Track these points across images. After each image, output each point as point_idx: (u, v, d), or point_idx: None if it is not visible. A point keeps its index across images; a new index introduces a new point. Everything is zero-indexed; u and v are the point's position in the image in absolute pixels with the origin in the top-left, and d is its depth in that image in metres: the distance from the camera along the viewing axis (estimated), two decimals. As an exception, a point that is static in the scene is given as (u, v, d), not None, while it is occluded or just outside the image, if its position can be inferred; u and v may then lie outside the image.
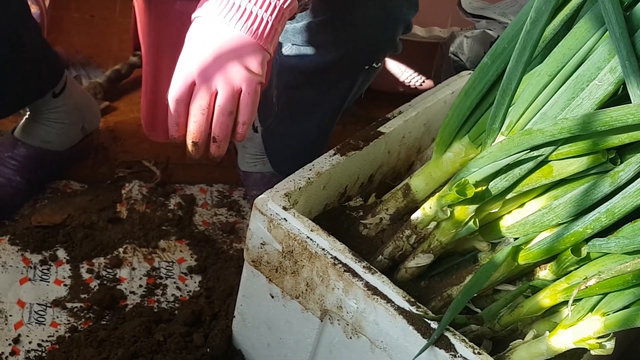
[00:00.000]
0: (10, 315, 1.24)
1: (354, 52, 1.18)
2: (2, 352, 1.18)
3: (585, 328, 0.87)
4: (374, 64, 1.22)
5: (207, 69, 0.92)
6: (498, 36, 1.63)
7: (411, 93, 1.30)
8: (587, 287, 0.83)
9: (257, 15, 0.91)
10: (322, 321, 1.03)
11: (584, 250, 0.88)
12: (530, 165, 0.88)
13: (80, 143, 1.51)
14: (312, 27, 1.19)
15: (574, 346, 0.89)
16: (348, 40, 1.17)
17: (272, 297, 1.08)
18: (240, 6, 0.91)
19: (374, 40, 1.15)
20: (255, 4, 0.91)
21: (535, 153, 0.86)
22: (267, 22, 0.92)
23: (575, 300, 0.90)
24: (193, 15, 0.94)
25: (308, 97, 1.32)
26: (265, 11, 0.92)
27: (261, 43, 0.93)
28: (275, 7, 0.92)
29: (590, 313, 0.87)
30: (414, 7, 1.20)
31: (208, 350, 1.22)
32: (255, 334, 1.17)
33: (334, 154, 1.11)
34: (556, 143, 0.84)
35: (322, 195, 1.11)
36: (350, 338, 1.00)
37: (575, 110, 0.83)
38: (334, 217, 1.13)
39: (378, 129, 1.18)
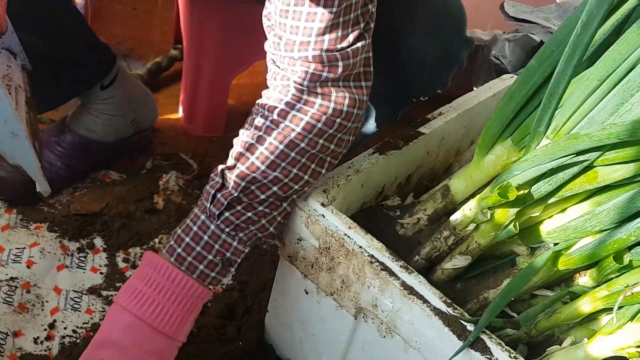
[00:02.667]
0: (47, 301, 1.25)
1: (407, 87, 1.17)
2: (38, 337, 1.19)
3: (625, 336, 0.86)
4: (422, 98, 1.22)
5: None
6: (541, 40, 1.63)
7: (450, 95, 1.30)
8: (632, 293, 0.82)
9: (168, 311, 0.99)
10: (356, 319, 1.02)
11: (627, 258, 0.87)
12: (575, 170, 0.87)
13: (131, 137, 1.53)
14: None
15: (613, 354, 0.88)
16: (403, 77, 1.16)
17: (307, 293, 1.08)
18: (153, 301, 0.98)
19: (429, 79, 1.15)
20: (168, 299, 0.98)
21: (581, 158, 0.85)
22: (179, 316, 1.00)
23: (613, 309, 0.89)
24: (114, 298, 1.01)
25: None
26: (178, 306, 0.99)
27: (172, 335, 1.00)
28: (187, 303, 1.00)
29: (631, 321, 0.86)
30: (470, 46, 1.19)
31: (240, 343, 1.22)
32: (287, 329, 1.17)
33: (373, 153, 1.11)
34: (603, 148, 0.83)
35: (360, 193, 1.11)
36: (384, 337, 1.00)
37: (624, 116, 0.82)
38: (371, 216, 1.13)
39: (418, 129, 1.18)
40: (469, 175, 1.02)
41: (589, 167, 0.87)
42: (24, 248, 1.31)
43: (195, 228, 1.00)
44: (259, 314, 1.27)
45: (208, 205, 0.99)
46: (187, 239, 1.00)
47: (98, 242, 1.37)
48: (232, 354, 1.21)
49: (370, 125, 1.34)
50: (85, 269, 1.32)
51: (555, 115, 0.89)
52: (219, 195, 0.99)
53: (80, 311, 1.26)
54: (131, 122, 1.50)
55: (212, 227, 1.00)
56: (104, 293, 1.29)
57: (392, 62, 1.14)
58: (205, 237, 1.00)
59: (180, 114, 1.74)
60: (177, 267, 0.99)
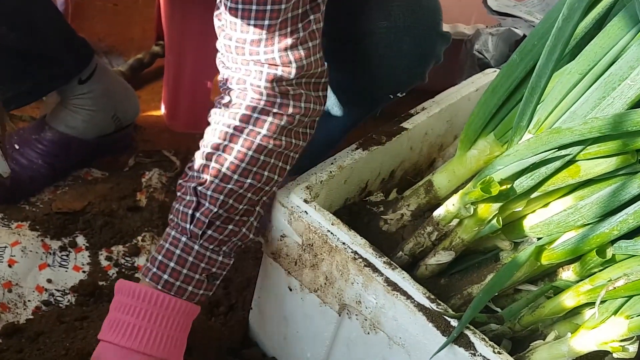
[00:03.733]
0: (29, 301, 1.24)
1: (383, 84, 1.17)
2: (20, 337, 1.18)
3: (608, 330, 0.86)
4: (399, 94, 1.21)
5: None
6: (524, 34, 1.63)
7: (433, 90, 1.29)
8: (615, 288, 0.82)
9: (164, 336, 0.97)
10: (340, 315, 1.02)
11: (610, 252, 0.87)
12: (557, 164, 0.87)
13: (113, 134, 1.52)
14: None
15: (596, 348, 0.88)
16: (379, 74, 1.16)
17: (290, 290, 1.08)
18: (146, 330, 0.96)
19: (406, 75, 1.15)
20: (161, 325, 0.96)
21: (563, 152, 0.85)
22: (177, 339, 0.98)
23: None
24: (99, 336, 0.98)
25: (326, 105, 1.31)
26: (173, 329, 0.98)
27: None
28: (180, 323, 0.98)
29: (614, 315, 0.86)
30: (447, 41, 1.19)
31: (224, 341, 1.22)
32: (272, 326, 1.17)
33: (356, 149, 1.11)
34: (585, 142, 0.83)
35: (343, 189, 1.11)
36: (368, 333, 0.99)
37: (606, 109, 0.82)
38: (354, 212, 1.12)
39: (401, 125, 1.18)
40: (452, 170, 1.02)
41: (572, 162, 0.87)
42: (5, 247, 1.30)
43: (178, 251, 0.98)
44: (242, 311, 1.26)
45: (188, 226, 0.97)
46: (172, 264, 0.98)
47: (80, 240, 1.36)
48: (216, 351, 1.20)
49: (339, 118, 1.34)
50: (67, 268, 1.31)
51: (537, 110, 0.88)
52: (197, 214, 0.97)
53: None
54: (112, 117, 1.49)
55: (196, 247, 0.98)
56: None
57: (367, 58, 1.14)
58: (190, 259, 0.98)
59: (162, 110, 1.73)
60: (166, 293, 0.98)
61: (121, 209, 1.42)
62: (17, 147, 1.40)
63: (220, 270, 1.02)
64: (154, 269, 0.98)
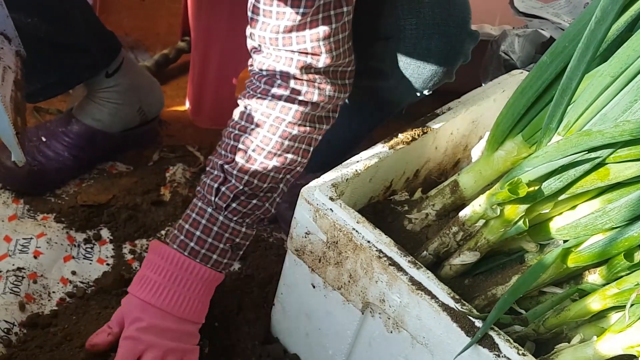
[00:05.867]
0: (54, 292, 1.25)
1: (411, 81, 1.17)
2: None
3: (635, 334, 0.85)
4: (426, 92, 1.21)
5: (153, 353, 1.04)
6: (550, 36, 1.62)
7: (458, 90, 1.29)
8: (646, 292, 0.82)
9: (190, 299, 1.07)
10: (363, 314, 1.02)
11: (638, 256, 0.86)
12: (586, 167, 0.86)
13: (138, 128, 1.53)
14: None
15: (622, 352, 0.87)
16: (407, 71, 1.16)
17: (314, 287, 1.08)
18: (175, 292, 1.06)
19: (434, 73, 1.15)
20: (188, 289, 1.07)
21: (593, 155, 0.84)
22: (200, 302, 1.09)
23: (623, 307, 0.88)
24: (128, 289, 1.09)
25: (350, 101, 1.31)
26: (197, 293, 1.08)
27: (197, 321, 1.09)
28: (205, 289, 1.09)
29: (641, 320, 0.86)
30: (475, 39, 1.18)
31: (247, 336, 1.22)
32: (294, 323, 1.17)
33: (382, 147, 1.11)
34: (615, 145, 0.83)
35: (368, 187, 1.11)
36: (391, 332, 0.99)
37: (638, 112, 0.81)
38: (378, 211, 1.12)
39: (427, 124, 1.17)
40: (478, 170, 1.02)
41: (601, 164, 0.86)
42: (31, 238, 1.31)
43: (204, 221, 1.07)
44: (265, 308, 1.27)
45: (213, 198, 1.06)
46: (198, 233, 1.07)
47: (105, 233, 1.37)
48: (238, 346, 1.20)
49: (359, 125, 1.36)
50: (91, 260, 1.32)
51: (568, 112, 0.88)
52: (223, 189, 1.05)
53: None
54: (137, 111, 1.49)
55: (221, 218, 1.06)
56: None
57: (395, 55, 1.14)
58: (215, 228, 1.07)
59: (187, 106, 1.73)
60: (192, 259, 1.06)
61: (145, 203, 1.43)
62: (43, 139, 1.41)
63: (243, 240, 1.10)
64: (182, 237, 1.07)
